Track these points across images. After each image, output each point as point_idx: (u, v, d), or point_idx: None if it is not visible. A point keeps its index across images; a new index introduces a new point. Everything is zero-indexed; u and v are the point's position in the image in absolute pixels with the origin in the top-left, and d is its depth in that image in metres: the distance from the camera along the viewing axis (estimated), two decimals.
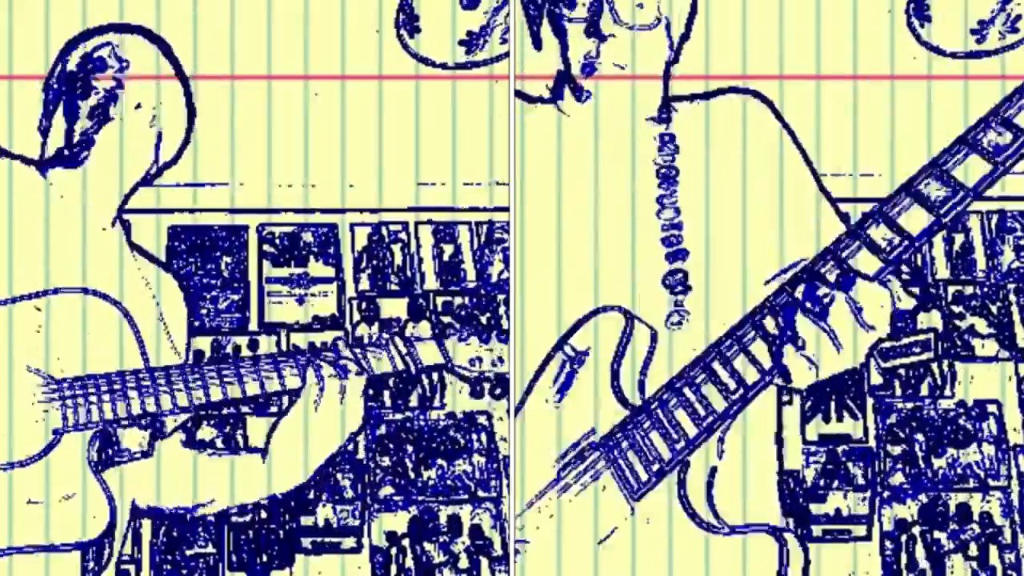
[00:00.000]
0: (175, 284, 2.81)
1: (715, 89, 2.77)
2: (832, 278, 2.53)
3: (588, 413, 2.64)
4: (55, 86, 2.73)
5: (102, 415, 2.65)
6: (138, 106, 2.72)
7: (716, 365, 2.59)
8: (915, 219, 2.52)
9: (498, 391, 2.80)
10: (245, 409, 2.82)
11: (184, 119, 2.78)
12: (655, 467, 2.60)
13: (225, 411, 2.81)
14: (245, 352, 2.84)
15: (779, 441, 2.77)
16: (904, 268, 2.89)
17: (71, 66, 2.73)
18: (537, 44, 2.69)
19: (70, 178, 2.73)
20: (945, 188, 2.52)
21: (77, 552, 2.67)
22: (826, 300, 2.52)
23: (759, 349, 2.57)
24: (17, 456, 2.64)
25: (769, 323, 2.57)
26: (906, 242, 2.51)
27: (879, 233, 2.53)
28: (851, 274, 2.51)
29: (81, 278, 2.71)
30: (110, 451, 2.71)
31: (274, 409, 2.80)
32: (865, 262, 2.53)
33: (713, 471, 2.61)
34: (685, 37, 2.74)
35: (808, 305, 2.53)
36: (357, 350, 2.72)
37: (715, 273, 2.68)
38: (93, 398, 2.65)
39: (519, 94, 2.74)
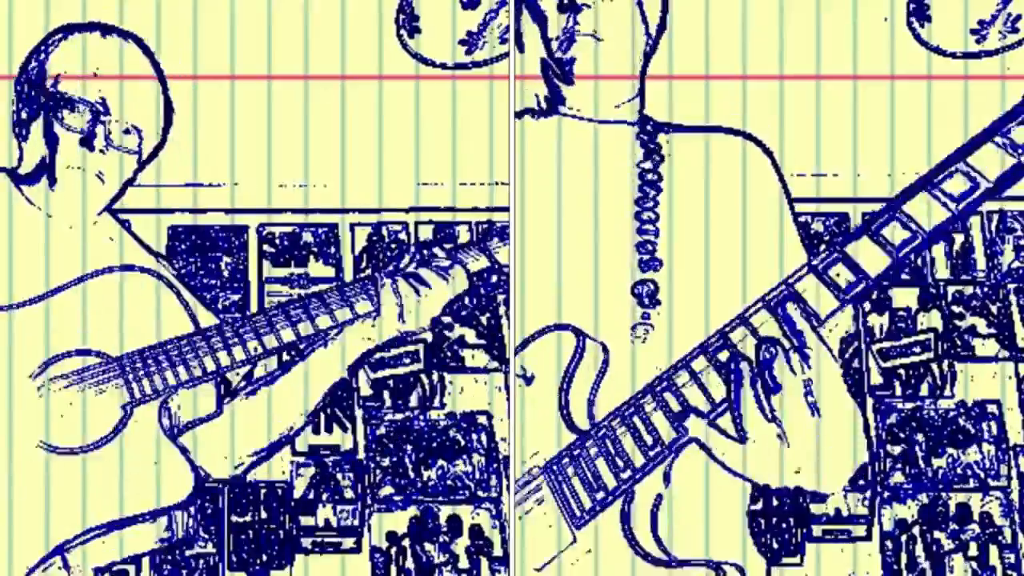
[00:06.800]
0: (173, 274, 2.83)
1: (710, 126, 2.76)
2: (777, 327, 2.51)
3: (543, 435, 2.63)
4: (30, 93, 2.74)
5: (166, 383, 2.67)
6: (115, 122, 2.72)
7: (667, 395, 2.57)
8: (872, 258, 2.51)
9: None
10: None
11: (160, 120, 2.78)
12: (599, 495, 2.58)
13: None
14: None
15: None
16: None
17: (45, 71, 2.73)
18: (520, 45, 2.69)
19: (44, 191, 2.74)
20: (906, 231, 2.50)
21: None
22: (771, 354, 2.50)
23: (711, 380, 2.55)
24: (91, 438, 2.66)
25: (723, 356, 2.55)
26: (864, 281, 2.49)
27: (836, 271, 2.52)
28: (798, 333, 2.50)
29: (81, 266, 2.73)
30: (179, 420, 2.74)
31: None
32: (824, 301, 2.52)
33: (658, 499, 2.59)
34: (661, 28, 2.72)
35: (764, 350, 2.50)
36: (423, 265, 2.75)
37: (684, 289, 2.65)
38: (154, 368, 2.67)
39: (520, 113, 2.73)
